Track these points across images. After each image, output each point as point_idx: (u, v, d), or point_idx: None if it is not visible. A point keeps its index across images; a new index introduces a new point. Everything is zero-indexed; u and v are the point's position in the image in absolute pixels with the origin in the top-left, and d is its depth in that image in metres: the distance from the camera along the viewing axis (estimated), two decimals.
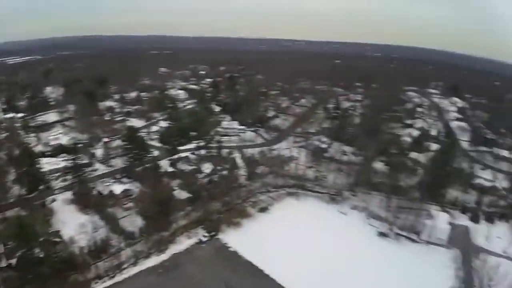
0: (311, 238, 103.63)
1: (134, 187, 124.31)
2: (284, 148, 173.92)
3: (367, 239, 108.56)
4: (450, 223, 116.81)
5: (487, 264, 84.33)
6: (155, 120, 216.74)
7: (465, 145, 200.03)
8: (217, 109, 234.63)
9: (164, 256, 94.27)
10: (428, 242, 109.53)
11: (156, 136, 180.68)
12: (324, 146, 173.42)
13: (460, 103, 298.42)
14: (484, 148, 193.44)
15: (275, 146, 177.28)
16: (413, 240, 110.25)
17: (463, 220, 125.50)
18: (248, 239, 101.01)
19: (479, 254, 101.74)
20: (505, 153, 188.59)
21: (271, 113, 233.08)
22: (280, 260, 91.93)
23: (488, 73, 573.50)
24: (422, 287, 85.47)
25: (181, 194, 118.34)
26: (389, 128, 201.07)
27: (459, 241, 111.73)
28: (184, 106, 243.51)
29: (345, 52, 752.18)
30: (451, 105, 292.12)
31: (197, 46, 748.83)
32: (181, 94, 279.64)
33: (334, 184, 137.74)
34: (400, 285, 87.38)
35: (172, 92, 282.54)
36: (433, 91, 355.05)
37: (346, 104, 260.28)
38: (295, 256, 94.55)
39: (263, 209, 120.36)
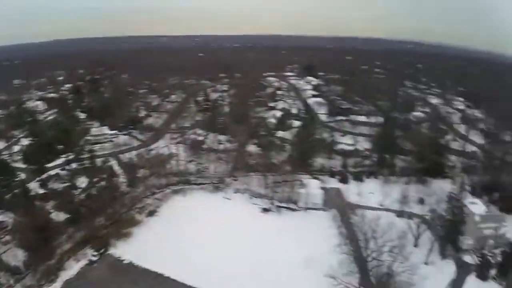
0: (203, 229, 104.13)
1: (7, 217, 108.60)
2: (162, 146, 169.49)
3: (253, 217, 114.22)
4: (322, 188, 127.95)
5: (366, 218, 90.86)
6: (15, 139, 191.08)
7: (323, 117, 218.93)
8: (83, 116, 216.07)
9: (56, 285, 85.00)
10: (307, 208, 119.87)
11: (20, 156, 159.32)
12: (200, 138, 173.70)
13: (315, 81, 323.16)
14: (342, 117, 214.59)
15: (152, 146, 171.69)
16: (292, 209, 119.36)
17: (334, 183, 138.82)
18: (141, 247, 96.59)
19: (355, 210, 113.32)
20: (362, 118, 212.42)
21: (142, 113, 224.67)
22: (178, 258, 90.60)
23: (340, 49, 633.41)
24: (310, 248, 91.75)
25: (59, 216, 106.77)
26: (255, 113, 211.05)
27: (334, 202, 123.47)
28: (45, 118, 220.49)
29: (207, 45, 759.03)
30: (307, 84, 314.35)
31: (50, 51, 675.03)
32: (40, 105, 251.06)
33: (216, 173, 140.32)
34: (292, 250, 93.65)
35: (30, 104, 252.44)
36: (289, 73, 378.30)
37: (215, 95, 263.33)
38: (192, 251, 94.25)
39: (151, 213, 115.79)
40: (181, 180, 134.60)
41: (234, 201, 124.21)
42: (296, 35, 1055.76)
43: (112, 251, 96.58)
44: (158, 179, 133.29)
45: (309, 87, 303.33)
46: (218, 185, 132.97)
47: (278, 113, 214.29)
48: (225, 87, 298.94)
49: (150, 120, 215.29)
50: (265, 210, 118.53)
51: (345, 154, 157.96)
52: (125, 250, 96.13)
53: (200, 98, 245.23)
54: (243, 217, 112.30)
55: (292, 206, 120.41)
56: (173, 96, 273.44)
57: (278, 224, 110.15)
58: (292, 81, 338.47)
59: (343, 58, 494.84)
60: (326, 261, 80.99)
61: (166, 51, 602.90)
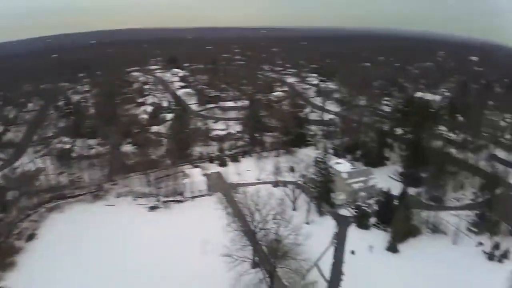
0: (90, 243, 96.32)
1: None
2: (26, 162, 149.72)
3: (142, 218, 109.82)
4: (204, 174, 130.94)
5: (248, 194, 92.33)
6: None
7: (194, 107, 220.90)
8: None
9: None
10: (193, 197, 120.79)
11: None
12: (68, 146, 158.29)
13: (181, 72, 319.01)
14: (212, 105, 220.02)
15: (15, 164, 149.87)
16: (180, 201, 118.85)
17: (214, 167, 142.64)
18: (30, 275, 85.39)
19: (237, 189, 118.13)
20: (230, 103, 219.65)
21: None
22: (71, 278, 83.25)
23: (200, 40, 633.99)
24: (204, 234, 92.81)
25: None
26: (124, 111, 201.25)
27: (217, 185, 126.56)
28: None
29: (61, 44, 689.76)
30: (174, 76, 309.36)
31: None
32: None
33: (92, 181, 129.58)
34: (186, 240, 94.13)
35: None
36: (154, 67, 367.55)
37: (77, 98, 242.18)
38: (84, 266, 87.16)
39: (31, 237, 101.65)
40: (55, 196, 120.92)
41: (118, 206, 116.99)
42: (154, 28, 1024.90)
43: (1, 284, 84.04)
44: (29, 199, 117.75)
45: (176, 78, 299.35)
46: (97, 193, 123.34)
47: (149, 108, 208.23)
48: (86, 88, 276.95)
49: (8, 135, 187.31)
50: (153, 208, 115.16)
51: (220, 139, 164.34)
52: (15, 281, 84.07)
53: (60, 103, 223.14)
54: (131, 221, 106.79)
55: (178, 198, 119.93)
56: (30, 105, 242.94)
57: (169, 218, 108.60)
58: (158, 74, 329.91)
59: (204, 48, 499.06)
60: (220, 242, 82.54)
61: (14, 56, 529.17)
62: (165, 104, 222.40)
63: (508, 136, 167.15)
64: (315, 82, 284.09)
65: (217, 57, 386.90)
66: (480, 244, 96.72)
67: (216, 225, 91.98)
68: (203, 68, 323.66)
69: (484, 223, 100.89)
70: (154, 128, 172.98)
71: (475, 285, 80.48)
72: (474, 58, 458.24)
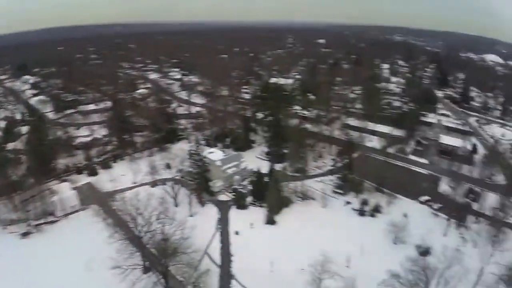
0: None
1: None
2: None
3: (12, 248, 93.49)
4: (74, 188, 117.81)
5: (126, 199, 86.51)
6: None
7: (51, 115, 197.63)
8: None
9: None
10: (66, 215, 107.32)
11: None
12: None
13: (31, 79, 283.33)
14: (70, 111, 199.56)
15: None
16: (53, 222, 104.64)
17: (84, 178, 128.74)
18: None
19: (114, 197, 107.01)
20: (91, 106, 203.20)
21: None
22: None
23: (49, 41, 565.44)
24: (87, 251, 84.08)
25: None
26: None
27: (90, 197, 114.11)
28: None
29: None
30: (25, 84, 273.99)
31: None
32: None
33: None
34: (69, 262, 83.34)
35: None
36: (3, 76, 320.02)
37: None
38: None
39: None
40: None
41: None
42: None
43: None
44: None
45: (27, 86, 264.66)
46: None
47: (1, 123, 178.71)
48: None
49: None
50: (25, 234, 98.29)
51: (86, 146, 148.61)
52: None
53: None
54: (3, 252, 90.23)
55: (50, 218, 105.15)
56: None
57: (44, 243, 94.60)
58: (8, 84, 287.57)
59: (55, 50, 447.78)
60: (106, 256, 76.48)
61: None
62: (18, 116, 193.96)
63: (358, 106, 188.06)
64: (178, 76, 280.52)
65: (70, 58, 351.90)
66: (348, 203, 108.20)
67: (98, 239, 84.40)
68: (56, 72, 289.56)
69: (348, 184, 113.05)
70: (10, 145, 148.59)
71: (353, 238, 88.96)
72: (321, 41, 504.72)
